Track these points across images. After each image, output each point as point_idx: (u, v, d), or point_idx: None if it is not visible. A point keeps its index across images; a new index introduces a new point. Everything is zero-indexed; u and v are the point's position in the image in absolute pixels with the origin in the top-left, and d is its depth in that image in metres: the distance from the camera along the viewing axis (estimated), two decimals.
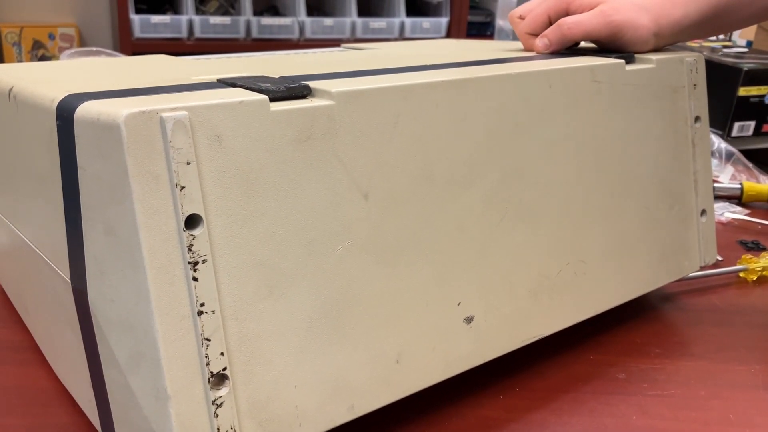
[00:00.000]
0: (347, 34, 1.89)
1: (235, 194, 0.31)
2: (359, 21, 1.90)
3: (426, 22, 1.97)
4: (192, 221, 0.30)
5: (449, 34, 2.01)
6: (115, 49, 1.88)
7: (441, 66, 0.43)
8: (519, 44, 0.61)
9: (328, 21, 1.88)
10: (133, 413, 0.32)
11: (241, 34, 1.83)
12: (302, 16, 1.86)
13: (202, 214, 0.30)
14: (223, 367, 0.31)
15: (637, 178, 0.49)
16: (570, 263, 0.45)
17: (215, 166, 0.30)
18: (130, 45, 1.80)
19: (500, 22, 2.13)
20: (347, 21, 1.89)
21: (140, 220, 0.28)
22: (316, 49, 0.64)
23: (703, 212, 0.55)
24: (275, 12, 1.98)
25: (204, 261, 0.30)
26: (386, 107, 0.36)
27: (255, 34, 1.83)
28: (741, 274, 0.63)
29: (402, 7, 1.97)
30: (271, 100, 0.32)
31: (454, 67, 0.42)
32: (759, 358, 0.49)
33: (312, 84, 0.35)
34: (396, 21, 1.94)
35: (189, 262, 0.30)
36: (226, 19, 1.81)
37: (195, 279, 0.30)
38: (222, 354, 0.31)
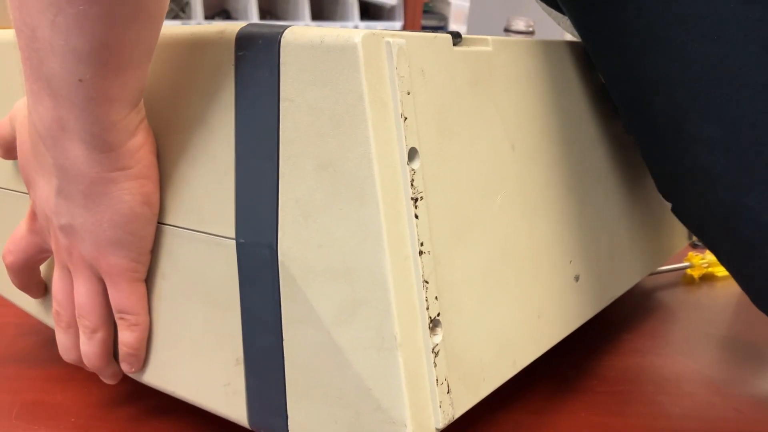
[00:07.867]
0: None
1: (434, 132, 0.30)
2: (313, 25, 1.86)
3: (380, 26, 1.96)
4: (411, 155, 0.28)
5: None
6: None
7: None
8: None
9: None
10: (331, 376, 0.29)
11: None
12: (254, 19, 1.79)
13: (418, 149, 0.28)
14: (437, 312, 0.29)
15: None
16: (632, 225, 0.47)
17: (421, 100, 0.29)
18: None
19: (454, 27, 2.18)
20: (300, 25, 1.85)
21: (374, 150, 0.26)
22: None
23: None
24: (227, 16, 1.90)
25: (422, 198, 0.28)
26: (526, 60, 0.36)
27: None
28: (687, 271, 0.66)
29: (356, 12, 1.94)
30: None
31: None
32: (705, 353, 0.51)
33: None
34: (350, 25, 1.91)
35: (412, 198, 0.28)
36: (176, 23, 1.71)
37: (416, 216, 0.28)
38: (436, 298, 0.29)
